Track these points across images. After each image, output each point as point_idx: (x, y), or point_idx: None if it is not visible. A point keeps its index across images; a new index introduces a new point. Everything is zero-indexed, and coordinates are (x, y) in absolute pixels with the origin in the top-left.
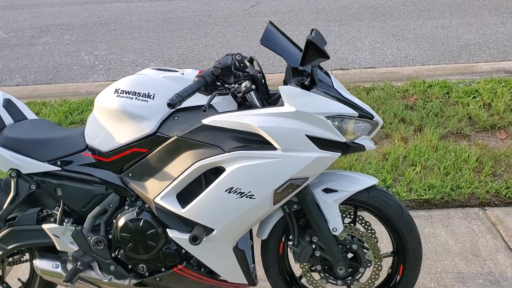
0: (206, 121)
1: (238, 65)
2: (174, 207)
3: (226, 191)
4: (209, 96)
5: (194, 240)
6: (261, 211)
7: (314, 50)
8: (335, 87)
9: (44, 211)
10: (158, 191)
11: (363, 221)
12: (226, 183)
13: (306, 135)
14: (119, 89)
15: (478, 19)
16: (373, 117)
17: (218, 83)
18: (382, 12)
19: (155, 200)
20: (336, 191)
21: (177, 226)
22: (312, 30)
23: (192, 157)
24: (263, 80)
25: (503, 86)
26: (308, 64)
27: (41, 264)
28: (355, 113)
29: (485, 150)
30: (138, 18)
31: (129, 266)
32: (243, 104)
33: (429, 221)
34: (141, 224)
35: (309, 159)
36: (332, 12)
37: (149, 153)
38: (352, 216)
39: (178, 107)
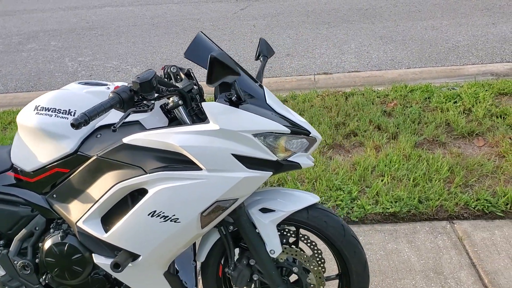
0: (126, 139)
1: (173, 77)
2: (96, 231)
3: (149, 215)
4: (123, 114)
5: (116, 267)
6: (189, 235)
7: (220, 67)
8: (267, 102)
9: None
10: (80, 214)
11: (309, 241)
12: (149, 206)
13: (232, 154)
14: (39, 105)
15: (469, 20)
16: (310, 133)
17: (138, 99)
18: (372, 14)
19: (77, 223)
20: (273, 211)
21: (101, 251)
22: (260, 39)
23: (113, 178)
24: (198, 95)
25: (486, 90)
26: (216, 81)
27: None
28: (287, 130)
29: (459, 158)
30: (126, 23)
31: None
32: (176, 120)
33: (394, 235)
34: (65, 248)
35: (236, 180)
36: (321, 14)
37: (71, 173)
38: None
39: (101, 124)
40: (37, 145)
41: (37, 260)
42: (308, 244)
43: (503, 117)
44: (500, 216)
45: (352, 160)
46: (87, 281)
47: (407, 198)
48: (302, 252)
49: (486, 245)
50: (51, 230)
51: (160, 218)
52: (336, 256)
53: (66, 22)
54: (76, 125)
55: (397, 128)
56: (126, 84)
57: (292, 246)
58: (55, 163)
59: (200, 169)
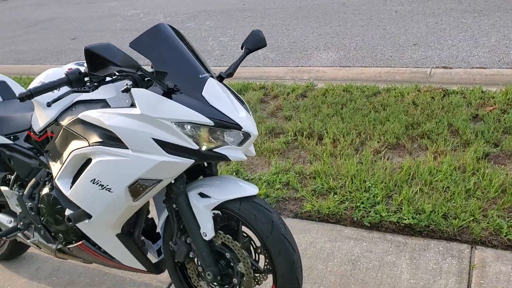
0: (80, 115)
1: None
2: (63, 188)
3: (91, 181)
4: (66, 91)
5: (68, 221)
6: (123, 205)
7: (96, 58)
8: (203, 94)
9: (9, 175)
10: (56, 172)
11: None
12: (91, 174)
13: (153, 139)
14: (39, 79)
15: None
16: (241, 127)
17: (86, 80)
18: None
19: (55, 180)
20: (209, 197)
21: (70, 206)
22: (252, 31)
23: (72, 146)
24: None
25: None
26: (99, 71)
27: (1, 218)
28: (210, 122)
29: None
30: (277, 5)
31: (52, 234)
32: None
33: (400, 248)
34: (51, 199)
35: (154, 162)
36: (476, 1)
37: (55, 137)
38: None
39: (78, 99)
40: (37, 112)
41: (39, 205)
42: (256, 235)
43: None
44: None
45: (401, 163)
46: (68, 229)
47: (432, 212)
48: (233, 240)
49: (498, 279)
50: (47, 182)
51: (98, 186)
52: (265, 251)
53: (227, 4)
54: (20, 98)
55: (476, 136)
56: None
57: (231, 234)
58: (47, 128)
59: (127, 148)
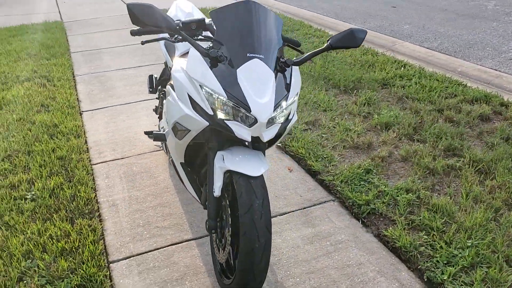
0: (174, 59)
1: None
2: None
3: (164, 111)
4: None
5: (151, 135)
6: (173, 139)
7: (132, 14)
8: (238, 69)
9: None
10: None
11: None
12: (165, 106)
13: (187, 93)
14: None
15: None
16: (250, 110)
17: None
18: None
19: None
20: (224, 162)
21: (165, 126)
22: (350, 28)
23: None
24: None
25: None
26: (138, 25)
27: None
28: (224, 95)
29: None
30: None
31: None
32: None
33: None
34: None
35: (182, 112)
36: None
37: None
38: None
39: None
40: None
41: None
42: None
43: None
44: None
45: None
46: None
47: None
48: (227, 207)
49: None
50: None
51: (165, 117)
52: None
53: None
54: (131, 33)
55: None
56: None
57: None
58: None
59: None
